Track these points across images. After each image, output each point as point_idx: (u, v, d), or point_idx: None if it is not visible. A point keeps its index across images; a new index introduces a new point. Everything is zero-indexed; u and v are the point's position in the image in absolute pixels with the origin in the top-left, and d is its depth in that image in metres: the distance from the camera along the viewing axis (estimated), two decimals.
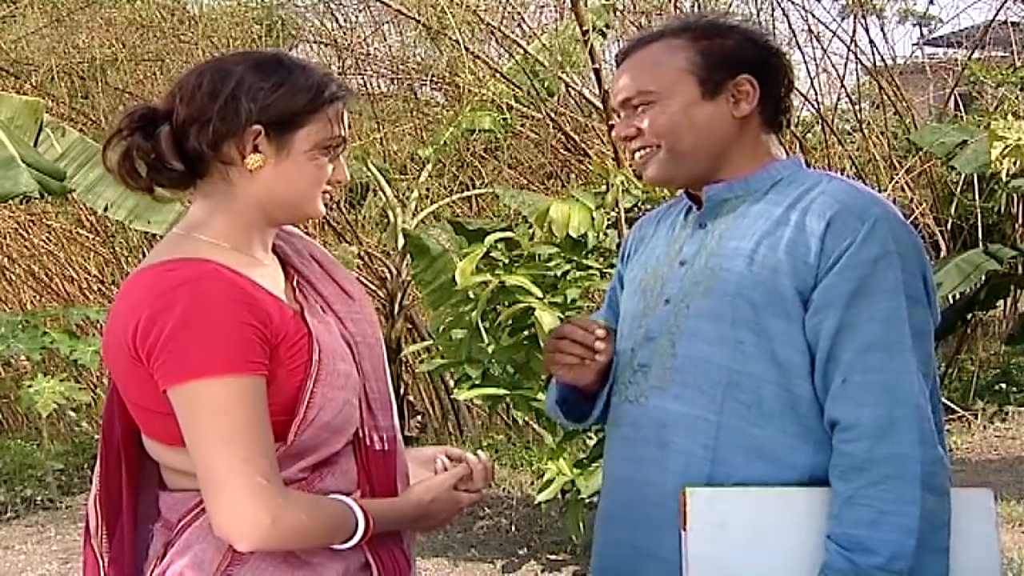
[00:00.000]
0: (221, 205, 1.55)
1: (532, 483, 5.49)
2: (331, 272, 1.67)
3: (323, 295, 1.62)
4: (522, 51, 6.62)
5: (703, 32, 1.76)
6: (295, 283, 1.61)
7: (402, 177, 7.05)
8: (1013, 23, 8.79)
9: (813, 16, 8.37)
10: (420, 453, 1.76)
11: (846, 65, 8.23)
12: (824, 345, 1.62)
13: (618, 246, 4.28)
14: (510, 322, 4.02)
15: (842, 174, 2.13)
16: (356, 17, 8.20)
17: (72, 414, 7.08)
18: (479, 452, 1.74)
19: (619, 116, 1.81)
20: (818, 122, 7.79)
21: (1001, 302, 7.87)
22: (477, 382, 4.21)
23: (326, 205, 1.62)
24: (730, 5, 8.11)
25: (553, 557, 4.88)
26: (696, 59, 1.73)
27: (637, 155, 1.78)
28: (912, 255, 1.65)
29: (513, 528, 5.28)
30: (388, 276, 6.60)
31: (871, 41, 8.73)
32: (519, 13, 7.53)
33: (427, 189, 6.75)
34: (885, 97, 7.99)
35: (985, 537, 1.67)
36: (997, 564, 1.68)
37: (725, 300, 1.67)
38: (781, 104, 1.79)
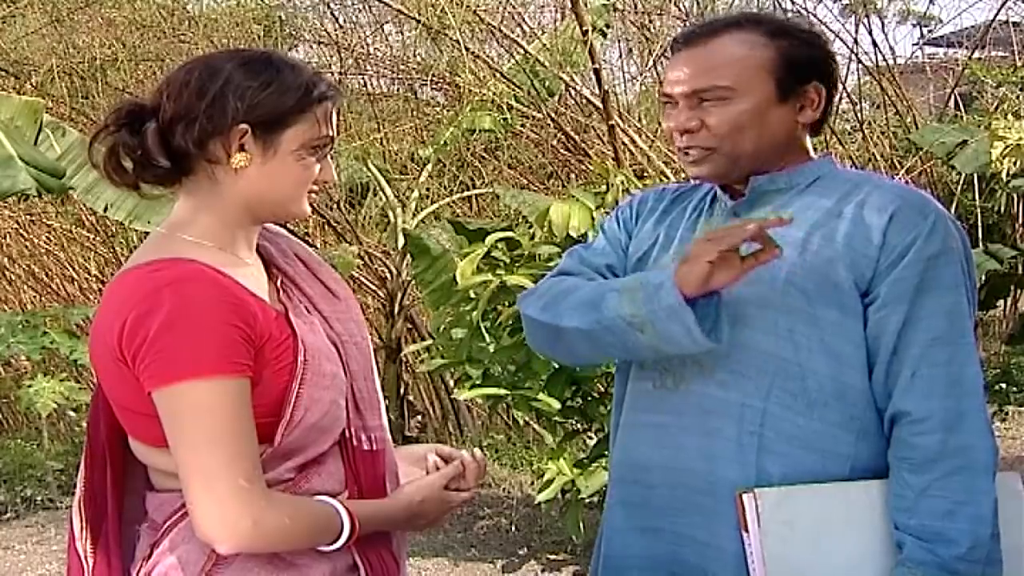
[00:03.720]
0: (206, 204, 1.54)
1: (532, 483, 5.49)
2: (316, 272, 1.66)
3: (308, 295, 1.61)
4: (522, 51, 6.62)
5: (779, 31, 1.74)
6: (279, 283, 1.60)
7: (402, 177, 7.04)
8: (1014, 23, 8.78)
9: (814, 16, 8.35)
10: (411, 451, 1.75)
11: (849, 65, 8.24)
12: (889, 340, 1.64)
13: None
14: (511, 322, 4.02)
15: None
16: (356, 17, 8.19)
17: (72, 414, 7.07)
18: (475, 450, 1.73)
19: (672, 103, 1.75)
20: None
21: (1001, 302, 7.86)
22: (477, 382, 4.20)
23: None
24: (731, 5, 8.10)
25: (553, 557, 4.87)
26: (776, 59, 1.71)
27: (690, 152, 1.75)
28: (964, 252, 1.69)
29: (513, 528, 5.28)
30: (388, 276, 6.59)
31: (873, 42, 8.72)
32: (519, 13, 7.53)
33: (427, 189, 6.74)
34: (886, 97, 7.98)
35: (1017, 519, 1.71)
36: None
37: (775, 288, 1.67)
38: (829, 112, 1.80)
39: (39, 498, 6.13)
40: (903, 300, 1.64)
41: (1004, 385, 7.40)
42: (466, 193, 7.19)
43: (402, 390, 6.54)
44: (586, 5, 5.87)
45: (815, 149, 1.82)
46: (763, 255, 1.62)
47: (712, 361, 1.70)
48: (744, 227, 1.60)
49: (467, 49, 6.50)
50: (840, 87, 1.83)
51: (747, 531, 1.61)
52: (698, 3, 8.00)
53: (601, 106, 5.87)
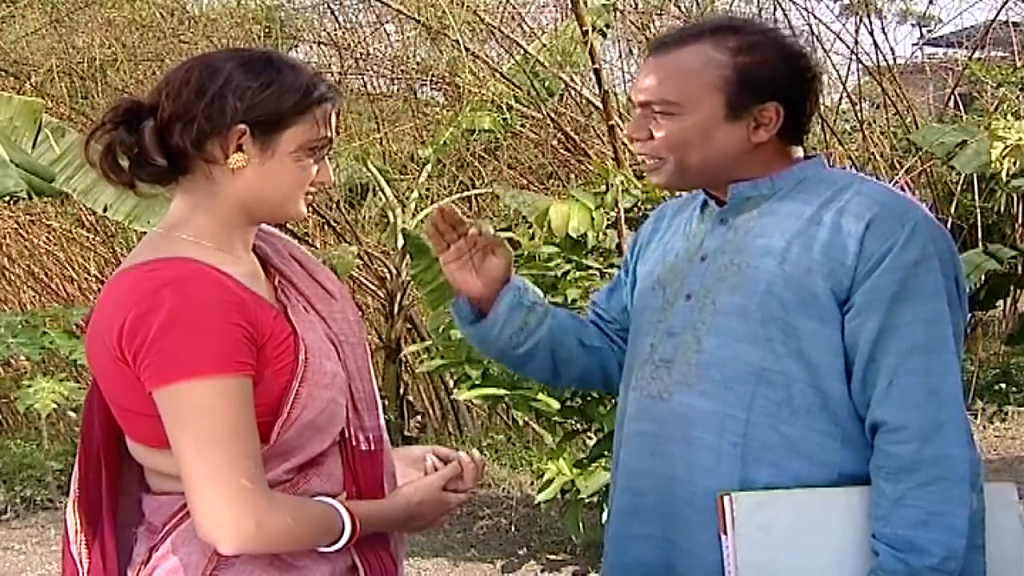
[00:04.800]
0: (203, 203, 1.54)
1: (532, 483, 5.48)
2: (312, 272, 1.65)
3: (305, 294, 1.60)
4: (522, 51, 6.61)
5: (748, 47, 1.71)
6: (277, 283, 1.59)
7: (402, 177, 7.04)
8: (1014, 23, 8.78)
9: (814, 16, 8.35)
10: (408, 452, 1.75)
11: (850, 67, 8.24)
12: (864, 347, 1.63)
13: (618, 246, 4.29)
14: None
15: None
16: (356, 17, 8.19)
17: (72, 414, 7.05)
18: (473, 451, 1.73)
19: (636, 112, 1.78)
20: (818, 122, 7.80)
21: (1001, 302, 7.86)
22: (477, 382, 4.20)
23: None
24: (731, 5, 8.10)
25: (553, 557, 4.87)
26: (731, 77, 1.69)
27: (643, 160, 1.77)
28: (948, 258, 1.66)
29: (513, 528, 5.28)
30: (388, 276, 6.59)
31: (874, 42, 8.72)
32: (519, 13, 7.53)
33: (427, 189, 6.73)
34: (886, 97, 7.98)
35: (1011, 529, 1.70)
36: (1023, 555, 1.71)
37: (754, 297, 1.67)
38: (804, 124, 1.78)
39: (39, 498, 6.13)
40: (878, 308, 1.61)
41: (1004, 385, 7.40)
42: (466, 193, 7.19)
43: (401, 390, 6.54)
44: (586, 5, 5.87)
45: (807, 150, 1.80)
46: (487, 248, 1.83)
47: (695, 371, 1.70)
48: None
49: (467, 49, 6.50)
50: (818, 103, 1.79)
51: (725, 533, 1.61)
52: (698, 3, 8.00)
53: (601, 106, 5.87)
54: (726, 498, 1.61)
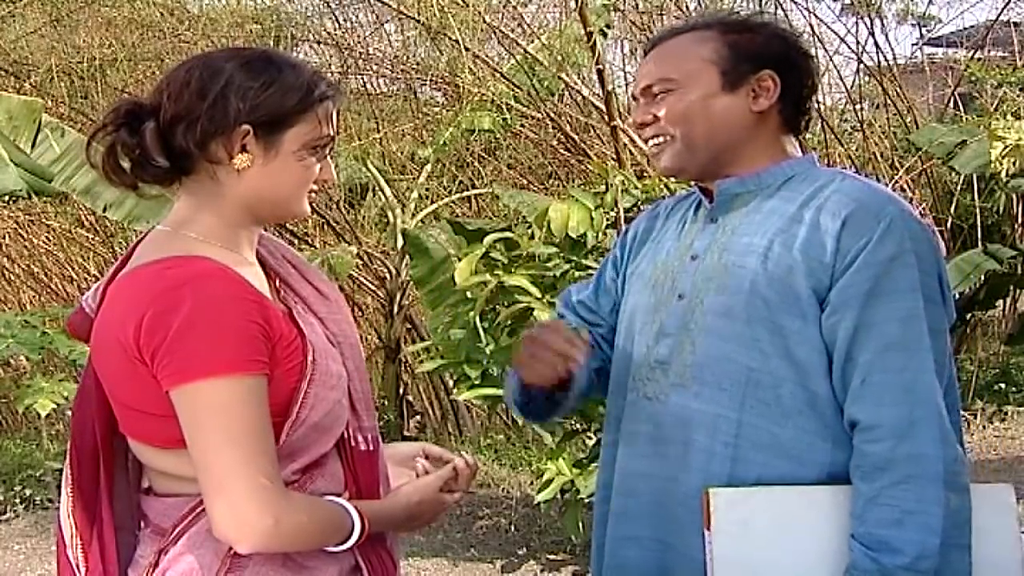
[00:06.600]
0: (207, 204, 1.53)
1: (531, 483, 5.48)
2: (305, 274, 1.65)
3: (302, 296, 1.60)
4: (522, 51, 6.61)
5: (733, 26, 1.78)
6: (277, 284, 1.59)
7: (402, 177, 7.04)
8: (1014, 23, 8.78)
9: (815, 16, 8.35)
10: (396, 451, 1.74)
11: (858, 68, 8.24)
12: (842, 345, 1.62)
13: None
14: (509, 322, 4.02)
15: None
16: (356, 17, 8.19)
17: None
18: (463, 453, 1.73)
19: (639, 103, 1.82)
20: (818, 122, 7.80)
21: (1000, 302, 7.86)
22: (476, 382, 4.20)
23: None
24: (733, 4, 8.10)
25: (552, 557, 4.87)
26: (722, 51, 1.74)
27: (651, 144, 1.79)
28: (927, 253, 1.65)
29: (512, 528, 5.28)
30: (387, 276, 6.59)
31: (875, 42, 8.72)
32: (519, 13, 7.52)
33: (427, 189, 6.74)
34: (886, 97, 7.98)
35: (1006, 531, 1.68)
36: (1019, 558, 1.69)
37: (739, 297, 1.67)
38: (802, 105, 1.80)
39: (38, 498, 6.14)
40: (853, 305, 1.61)
41: (1003, 385, 7.40)
42: (466, 193, 7.20)
43: (401, 390, 6.54)
44: (587, 5, 5.86)
45: (804, 149, 1.81)
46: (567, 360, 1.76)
47: (689, 373, 1.70)
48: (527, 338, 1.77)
49: (467, 49, 6.50)
50: (815, 81, 1.82)
51: (709, 529, 1.61)
52: (700, 3, 8.00)
53: (603, 107, 5.87)
54: (708, 493, 1.62)
